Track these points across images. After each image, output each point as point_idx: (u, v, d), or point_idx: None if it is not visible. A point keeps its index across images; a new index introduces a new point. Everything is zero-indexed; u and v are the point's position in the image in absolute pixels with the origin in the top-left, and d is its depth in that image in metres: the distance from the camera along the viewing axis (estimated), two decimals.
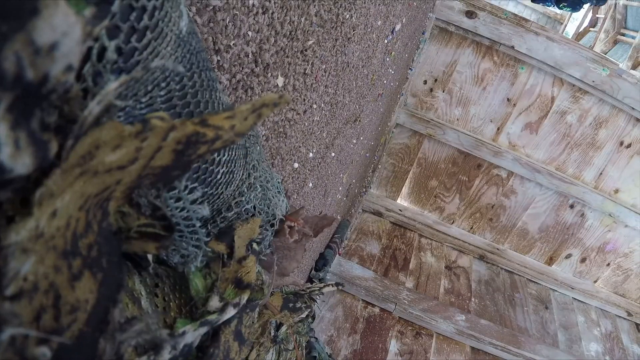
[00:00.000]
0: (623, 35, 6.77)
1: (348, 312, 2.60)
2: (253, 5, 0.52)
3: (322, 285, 0.80)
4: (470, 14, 2.74)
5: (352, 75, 1.28)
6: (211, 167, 0.51)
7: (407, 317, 2.69)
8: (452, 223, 3.51)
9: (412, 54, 2.73)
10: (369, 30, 1.25)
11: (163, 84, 0.38)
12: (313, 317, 0.79)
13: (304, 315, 0.73)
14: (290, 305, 0.73)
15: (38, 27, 0.22)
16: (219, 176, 0.54)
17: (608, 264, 3.39)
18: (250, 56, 0.58)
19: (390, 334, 2.57)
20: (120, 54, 0.31)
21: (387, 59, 1.83)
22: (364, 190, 3.29)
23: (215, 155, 0.51)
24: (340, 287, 0.86)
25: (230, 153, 0.55)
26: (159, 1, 0.32)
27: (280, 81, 0.72)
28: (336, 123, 1.34)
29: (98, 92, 0.28)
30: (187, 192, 0.48)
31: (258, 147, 0.68)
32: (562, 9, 4.27)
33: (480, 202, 3.39)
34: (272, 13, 0.58)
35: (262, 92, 0.66)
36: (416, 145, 3.29)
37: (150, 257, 0.52)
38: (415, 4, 1.95)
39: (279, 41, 0.65)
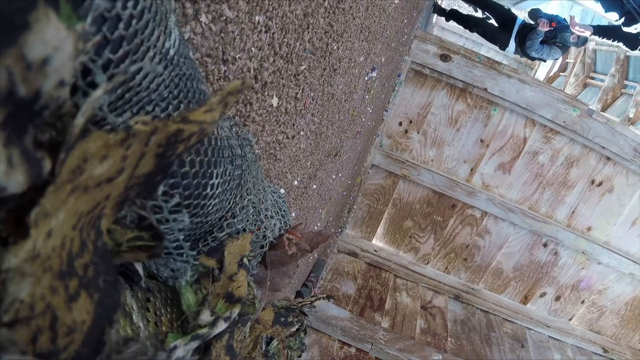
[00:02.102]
0: (592, 78, 7.04)
1: (324, 353, 2.57)
2: (258, 22, 0.55)
3: (313, 298, 0.81)
4: (444, 57, 2.84)
5: (335, 108, 1.32)
6: (203, 202, 0.52)
7: (383, 357, 2.66)
8: (427, 263, 3.53)
9: (388, 95, 2.81)
10: (352, 64, 1.29)
11: None
12: (305, 331, 0.79)
13: (294, 329, 0.73)
14: (282, 319, 0.74)
15: (29, 41, 0.21)
16: (210, 208, 0.55)
17: (582, 302, 3.43)
18: (252, 71, 0.60)
19: None
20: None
21: (367, 97, 1.88)
22: (340, 230, 3.30)
23: (209, 189, 0.52)
24: (331, 301, 0.86)
25: (224, 186, 0.56)
26: (139, 24, 0.33)
27: (274, 101, 0.74)
28: (319, 154, 1.37)
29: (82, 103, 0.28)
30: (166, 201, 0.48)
31: (256, 166, 0.70)
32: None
33: (455, 242, 3.42)
34: (273, 33, 0.61)
35: (259, 109, 0.68)
36: (391, 186, 3.33)
37: (141, 271, 0.52)
38: (393, 45, 2.02)
39: (277, 61, 0.68)
